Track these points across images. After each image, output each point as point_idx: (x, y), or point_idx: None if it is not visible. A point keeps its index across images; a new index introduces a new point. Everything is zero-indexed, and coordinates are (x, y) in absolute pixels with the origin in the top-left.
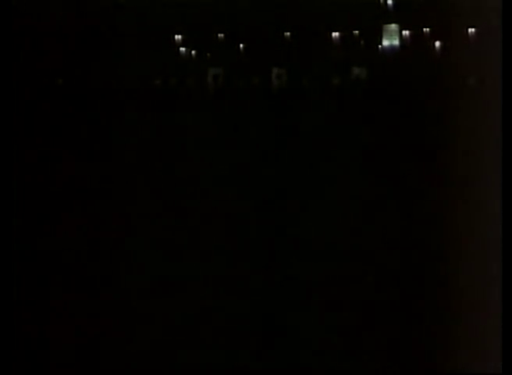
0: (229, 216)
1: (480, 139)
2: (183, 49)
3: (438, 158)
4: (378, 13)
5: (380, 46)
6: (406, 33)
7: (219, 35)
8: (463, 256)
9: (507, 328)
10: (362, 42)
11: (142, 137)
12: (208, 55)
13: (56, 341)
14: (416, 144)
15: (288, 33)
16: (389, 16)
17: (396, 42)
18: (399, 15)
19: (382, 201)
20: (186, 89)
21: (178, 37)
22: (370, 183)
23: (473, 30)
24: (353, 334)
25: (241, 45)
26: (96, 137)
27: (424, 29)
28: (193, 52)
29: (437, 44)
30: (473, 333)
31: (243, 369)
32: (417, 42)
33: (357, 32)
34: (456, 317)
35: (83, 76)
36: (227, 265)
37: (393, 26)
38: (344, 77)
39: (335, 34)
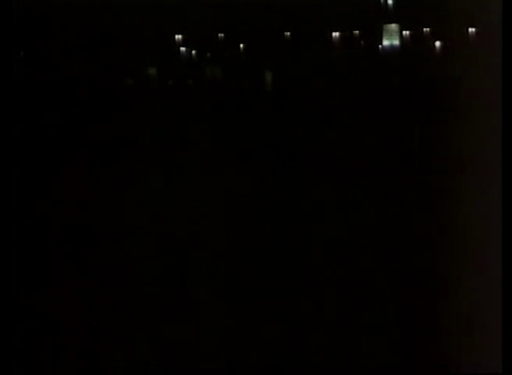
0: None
1: (480, 139)
2: (183, 49)
3: (437, 157)
4: (378, 13)
5: (380, 46)
6: (406, 33)
7: (219, 35)
8: (463, 256)
9: (507, 328)
10: (362, 42)
11: (142, 136)
12: (208, 55)
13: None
14: (415, 144)
15: (288, 33)
16: (389, 16)
17: (396, 42)
18: (399, 15)
19: (381, 201)
20: (186, 88)
21: (178, 37)
22: (367, 183)
23: (473, 30)
24: (354, 334)
25: (241, 45)
26: (95, 137)
27: (424, 29)
28: (193, 52)
29: (437, 44)
30: (473, 333)
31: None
32: (417, 42)
33: (357, 32)
34: (457, 317)
35: (82, 76)
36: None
37: (393, 26)
38: (344, 77)
39: (335, 34)
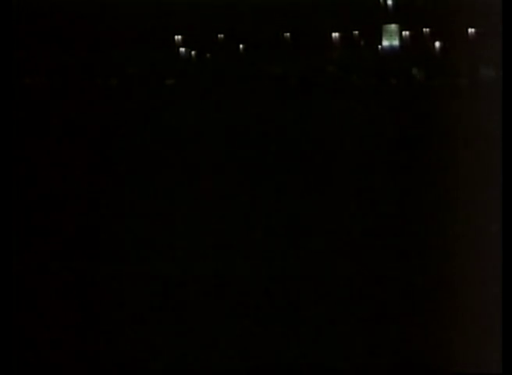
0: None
1: (480, 139)
2: (182, 49)
3: (437, 157)
4: (378, 13)
5: (380, 46)
6: (406, 33)
7: (219, 35)
8: (463, 256)
9: (507, 328)
10: (362, 42)
11: (141, 135)
12: (208, 55)
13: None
14: (415, 143)
15: (288, 34)
16: (389, 16)
17: (396, 42)
18: (399, 15)
19: (383, 200)
20: (186, 87)
21: (178, 37)
22: (367, 183)
23: (473, 30)
24: (354, 334)
25: (241, 45)
26: (95, 136)
27: (424, 29)
28: (193, 52)
29: (437, 44)
30: (473, 333)
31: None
32: (417, 42)
33: (357, 32)
34: (457, 317)
35: (83, 76)
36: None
37: (393, 26)
38: (344, 77)
39: (335, 34)
